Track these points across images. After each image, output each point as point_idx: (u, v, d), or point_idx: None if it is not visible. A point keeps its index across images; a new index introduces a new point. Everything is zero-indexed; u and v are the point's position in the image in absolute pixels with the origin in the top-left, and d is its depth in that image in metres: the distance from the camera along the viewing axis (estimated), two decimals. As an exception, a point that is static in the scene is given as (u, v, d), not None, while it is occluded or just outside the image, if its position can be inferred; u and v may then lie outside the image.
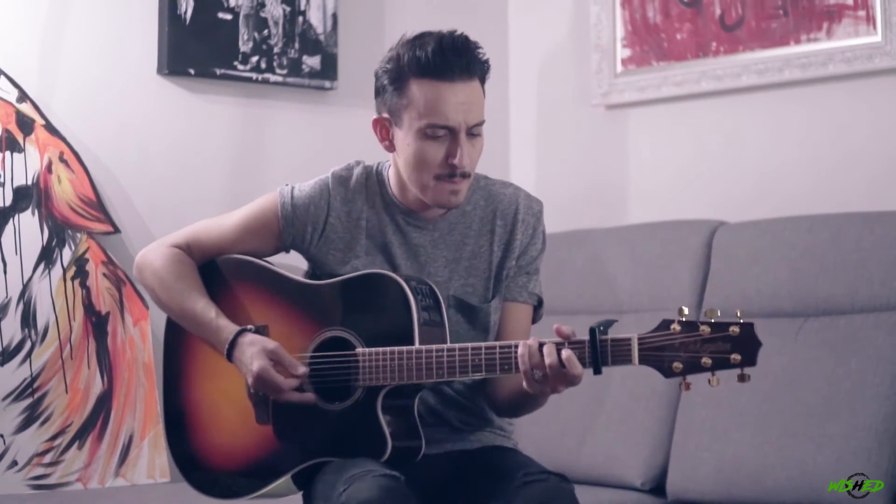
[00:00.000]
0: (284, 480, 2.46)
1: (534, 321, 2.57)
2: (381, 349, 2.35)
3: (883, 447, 2.94)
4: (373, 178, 2.53)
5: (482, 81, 2.43)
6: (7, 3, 3.41)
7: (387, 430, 2.35)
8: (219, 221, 2.59)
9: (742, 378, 2.15)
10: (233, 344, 2.43)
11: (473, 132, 2.40)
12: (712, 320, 2.15)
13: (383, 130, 2.46)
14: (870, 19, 3.46)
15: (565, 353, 2.21)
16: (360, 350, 2.38)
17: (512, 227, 2.51)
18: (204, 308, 2.49)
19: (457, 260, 2.50)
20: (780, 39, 3.63)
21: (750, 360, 2.13)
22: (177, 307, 2.53)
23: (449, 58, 2.36)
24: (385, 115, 2.44)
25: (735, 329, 2.14)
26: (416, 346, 2.34)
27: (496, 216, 2.51)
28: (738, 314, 2.16)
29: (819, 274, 3.22)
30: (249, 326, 2.45)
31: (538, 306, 2.56)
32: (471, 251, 2.51)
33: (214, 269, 2.57)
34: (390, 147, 2.47)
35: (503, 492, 2.33)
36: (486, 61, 2.42)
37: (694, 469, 3.21)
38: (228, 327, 2.45)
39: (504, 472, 2.38)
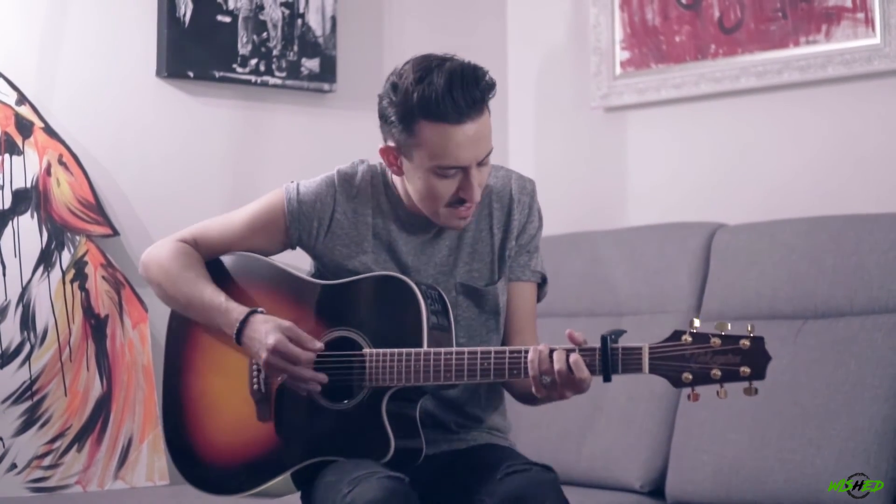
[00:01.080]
0: (283, 479, 2.46)
1: (539, 299, 2.59)
2: (389, 350, 2.36)
3: (882, 449, 2.94)
4: (378, 178, 2.54)
5: (488, 105, 2.41)
6: (6, 6, 3.41)
7: (391, 432, 2.35)
8: (225, 219, 2.60)
9: (749, 391, 2.17)
10: (245, 322, 2.43)
11: (482, 162, 2.41)
12: (723, 333, 2.18)
13: (391, 157, 2.45)
14: (868, 21, 3.46)
15: (573, 357, 2.23)
16: (367, 350, 2.39)
17: (508, 208, 2.53)
18: (212, 293, 2.49)
19: (459, 247, 2.52)
20: (779, 42, 3.63)
21: (759, 373, 2.16)
22: (183, 297, 2.52)
23: (458, 99, 2.32)
24: (392, 144, 2.42)
25: (745, 342, 2.16)
26: (425, 348, 2.34)
27: (492, 199, 2.53)
28: (750, 328, 2.18)
29: (818, 276, 3.22)
30: (260, 308, 2.45)
31: (542, 283, 2.58)
32: (472, 236, 2.52)
33: (221, 266, 2.58)
34: (399, 172, 2.46)
35: (486, 484, 2.34)
36: (493, 85, 2.39)
37: (693, 471, 3.21)
38: (239, 308, 2.45)
39: (489, 466, 2.39)
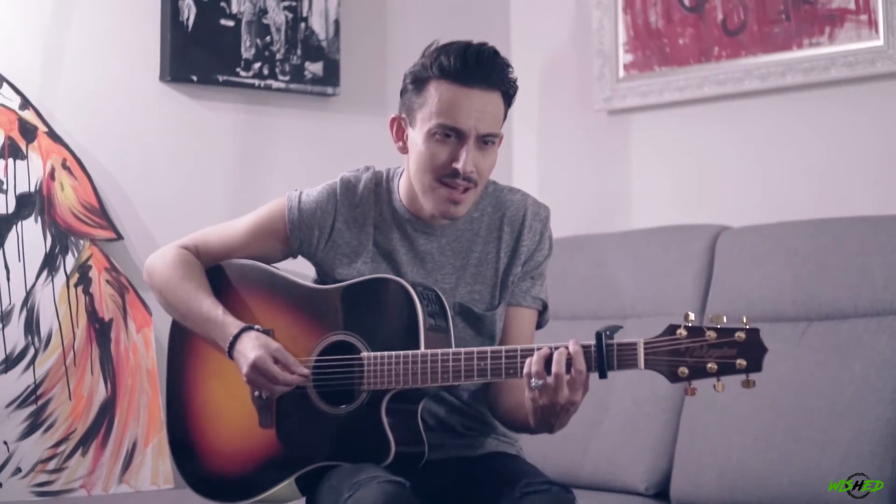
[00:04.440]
0: (288, 485, 2.46)
1: (539, 326, 2.58)
2: (386, 353, 2.36)
3: (887, 451, 2.93)
4: (382, 186, 2.54)
5: (506, 99, 2.43)
6: (10, 11, 3.42)
7: (390, 435, 2.35)
8: (227, 226, 2.61)
9: (747, 384, 2.15)
10: (237, 338, 2.44)
11: (485, 142, 2.40)
12: (718, 326, 2.16)
13: (399, 130, 2.47)
14: (872, 23, 3.46)
15: (573, 347, 2.21)
16: (365, 354, 2.39)
17: (519, 234, 2.52)
18: (210, 306, 2.50)
19: (463, 267, 2.51)
20: (783, 44, 3.63)
21: (755, 366, 2.14)
22: (183, 306, 2.53)
23: (470, 64, 2.37)
24: (403, 114, 2.45)
25: (741, 335, 2.15)
26: (422, 350, 2.34)
27: (503, 222, 2.52)
28: (745, 320, 2.16)
29: (822, 278, 3.22)
30: (256, 326, 2.46)
31: (543, 311, 2.57)
32: (477, 258, 2.51)
33: (220, 273, 2.58)
34: (403, 148, 2.47)
35: (504, 499, 2.32)
36: (514, 80, 2.43)
37: (698, 474, 3.21)
38: (234, 323, 2.46)
39: (506, 480, 2.37)
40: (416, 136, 2.42)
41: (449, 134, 2.38)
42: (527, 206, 2.54)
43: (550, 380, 2.22)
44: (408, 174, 2.48)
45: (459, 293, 2.50)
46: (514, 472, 2.41)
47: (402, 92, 2.46)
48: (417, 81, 2.41)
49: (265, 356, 2.39)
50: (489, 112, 2.39)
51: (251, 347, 2.41)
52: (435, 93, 2.38)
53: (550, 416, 2.27)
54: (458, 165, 2.38)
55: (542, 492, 2.31)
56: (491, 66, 2.39)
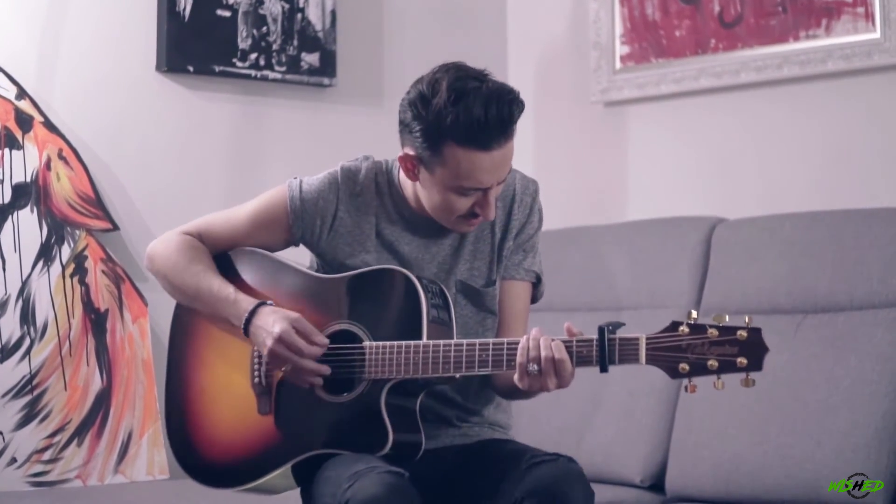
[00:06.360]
0: (284, 474, 2.46)
1: (535, 299, 2.59)
2: (388, 343, 2.37)
3: (882, 444, 2.94)
4: (383, 176, 2.54)
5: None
6: (6, 1, 3.41)
7: (389, 424, 2.35)
8: (229, 215, 2.60)
9: (746, 382, 2.17)
10: (253, 313, 2.43)
11: (501, 180, 2.42)
12: (720, 324, 2.18)
13: (409, 164, 2.42)
14: (868, 16, 3.46)
15: (555, 343, 2.23)
16: (367, 343, 2.39)
17: (510, 208, 2.53)
18: (220, 285, 2.49)
19: (461, 245, 2.52)
20: (779, 36, 3.63)
21: (756, 364, 2.16)
22: (191, 288, 2.52)
23: (492, 128, 2.33)
24: (412, 152, 2.40)
25: (743, 333, 2.16)
26: (424, 340, 2.35)
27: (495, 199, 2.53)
28: (747, 319, 2.18)
29: (818, 271, 3.22)
30: (269, 301, 2.46)
31: (537, 283, 2.58)
32: (474, 235, 2.53)
33: (223, 260, 2.57)
34: (414, 179, 2.44)
35: (511, 474, 2.33)
36: (523, 107, 2.38)
37: (693, 466, 3.21)
38: (248, 300, 2.46)
39: (510, 458, 2.39)
40: (434, 185, 2.40)
41: (470, 191, 2.39)
42: (515, 181, 2.55)
43: (543, 364, 2.25)
44: (414, 188, 2.48)
45: (459, 271, 2.52)
46: (514, 451, 2.43)
47: (409, 130, 2.38)
48: (431, 138, 2.35)
49: (289, 328, 2.39)
50: (507, 158, 2.40)
51: (273, 321, 2.40)
52: (455, 158, 2.35)
53: (545, 390, 2.29)
54: (483, 213, 2.41)
55: (549, 461, 2.33)
56: (510, 120, 2.35)
